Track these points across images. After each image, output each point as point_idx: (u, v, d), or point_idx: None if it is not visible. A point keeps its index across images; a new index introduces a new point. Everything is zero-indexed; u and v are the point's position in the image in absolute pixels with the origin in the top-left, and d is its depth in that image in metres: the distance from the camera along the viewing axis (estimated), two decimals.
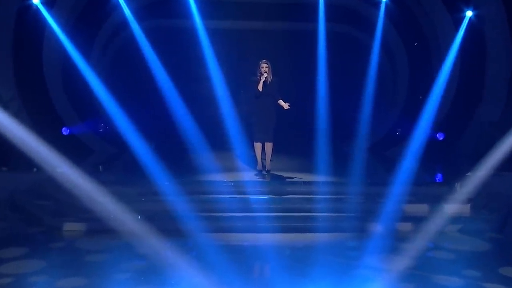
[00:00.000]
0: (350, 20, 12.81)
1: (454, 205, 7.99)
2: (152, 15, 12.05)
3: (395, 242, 7.09)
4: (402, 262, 6.39)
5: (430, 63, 11.58)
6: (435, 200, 8.09)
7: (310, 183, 8.98)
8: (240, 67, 12.97)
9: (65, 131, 11.00)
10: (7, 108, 9.11)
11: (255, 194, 8.24)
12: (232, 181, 8.80)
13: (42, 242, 7.02)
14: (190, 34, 11.81)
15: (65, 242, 7.07)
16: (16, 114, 9.28)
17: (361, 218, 7.72)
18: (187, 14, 11.46)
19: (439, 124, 11.24)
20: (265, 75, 9.05)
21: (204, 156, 9.94)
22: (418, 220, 7.66)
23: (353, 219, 7.65)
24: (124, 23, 11.52)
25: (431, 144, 10.68)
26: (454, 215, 7.83)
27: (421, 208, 8.06)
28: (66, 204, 7.80)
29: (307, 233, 7.50)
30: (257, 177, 9.37)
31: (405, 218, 7.78)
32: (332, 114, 11.38)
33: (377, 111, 11.88)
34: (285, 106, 9.10)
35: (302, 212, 8.00)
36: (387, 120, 12.95)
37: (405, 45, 12.45)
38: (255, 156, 9.58)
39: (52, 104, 10.93)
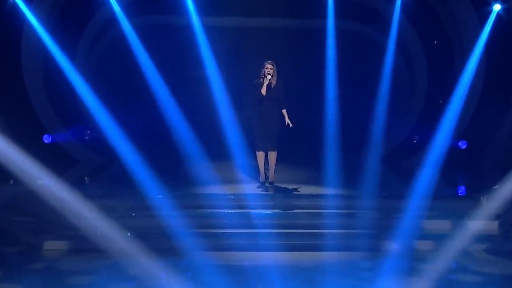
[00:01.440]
0: (362, 17, 12.81)
1: (480, 222, 7.93)
2: (144, 11, 12.06)
3: (414, 262, 7.02)
4: (422, 285, 6.34)
5: (452, 63, 11.55)
6: (458, 216, 8.04)
7: (318, 196, 8.96)
8: (241, 69, 12.94)
9: (46, 138, 10.99)
10: None
11: (257, 209, 8.24)
12: (232, 194, 8.78)
13: (20, 263, 6.95)
14: (186, 32, 11.82)
15: (46, 263, 7.02)
16: None
17: (375, 236, 7.69)
18: (183, 10, 11.48)
19: (461, 131, 11.19)
20: (269, 77, 9.04)
21: (201, 166, 9.91)
22: (439, 238, 7.60)
23: (366, 237, 7.61)
24: (113, 20, 11.52)
25: (452, 153, 10.62)
26: (480, 232, 7.75)
27: (442, 225, 8.01)
28: (47, 220, 7.75)
29: (315, 252, 7.43)
30: (260, 189, 9.36)
31: (425, 235, 7.73)
32: (342, 120, 11.35)
33: (392, 116, 11.85)
34: (287, 120, 9.17)
35: (309, 229, 7.97)
36: (404, 126, 12.92)
37: (423, 43, 12.43)
38: (257, 166, 9.57)
39: (32, 108, 10.92)
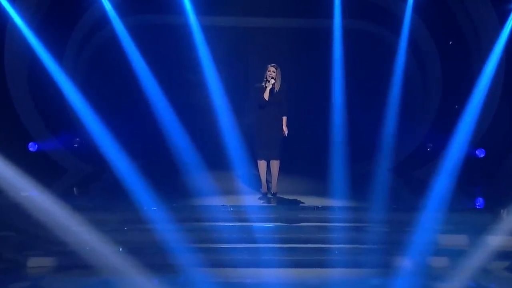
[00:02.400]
0: (371, 15, 12.81)
1: (500, 237, 7.87)
2: (137, 10, 12.06)
3: (428, 280, 7.02)
4: None
5: (469, 65, 11.52)
6: (476, 230, 7.98)
7: (324, 208, 8.94)
8: (241, 71, 12.97)
9: (32, 146, 10.97)
10: None
11: (259, 222, 8.21)
12: (231, 206, 8.76)
13: (2, 281, 6.93)
14: (182, 32, 11.83)
15: (30, 282, 7.02)
16: None
17: (386, 251, 7.66)
18: (179, 9, 11.47)
19: (479, 138, 11.15)
20: (272, 81, 9.03)
21: (198, 176, 9.90)
22: (455, 254, 7.57)
23: (376, 252, 7.60)
24: (104, 19, 11.51)
25: (469, 162, 10.58)
26: (500, 249, 7.70)
27: (459, 240, 7.98)
28: (32, 235, 7.72)
29: (321, 268, 7.43)
30: (261, 201, 9.35)
31: (440, 251, 7.69)
32: (350, 126, 11.35)
33: (404, 122, 11.83)
34: (284, 128, 9.18)
35: (314, 243, 7.96)
36: (416, 133, 12.90)
37: (437, 44, 12.40)
38: (259, 176, 9.54)
39: (16, 114, 10.89)
